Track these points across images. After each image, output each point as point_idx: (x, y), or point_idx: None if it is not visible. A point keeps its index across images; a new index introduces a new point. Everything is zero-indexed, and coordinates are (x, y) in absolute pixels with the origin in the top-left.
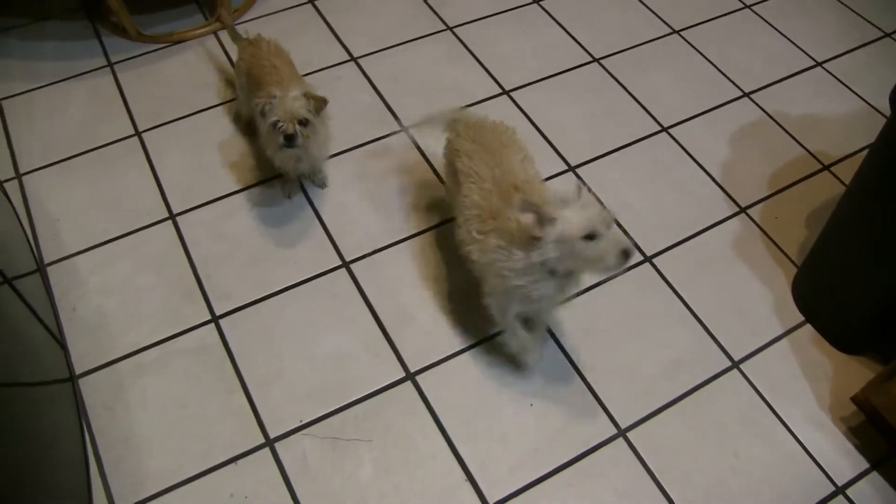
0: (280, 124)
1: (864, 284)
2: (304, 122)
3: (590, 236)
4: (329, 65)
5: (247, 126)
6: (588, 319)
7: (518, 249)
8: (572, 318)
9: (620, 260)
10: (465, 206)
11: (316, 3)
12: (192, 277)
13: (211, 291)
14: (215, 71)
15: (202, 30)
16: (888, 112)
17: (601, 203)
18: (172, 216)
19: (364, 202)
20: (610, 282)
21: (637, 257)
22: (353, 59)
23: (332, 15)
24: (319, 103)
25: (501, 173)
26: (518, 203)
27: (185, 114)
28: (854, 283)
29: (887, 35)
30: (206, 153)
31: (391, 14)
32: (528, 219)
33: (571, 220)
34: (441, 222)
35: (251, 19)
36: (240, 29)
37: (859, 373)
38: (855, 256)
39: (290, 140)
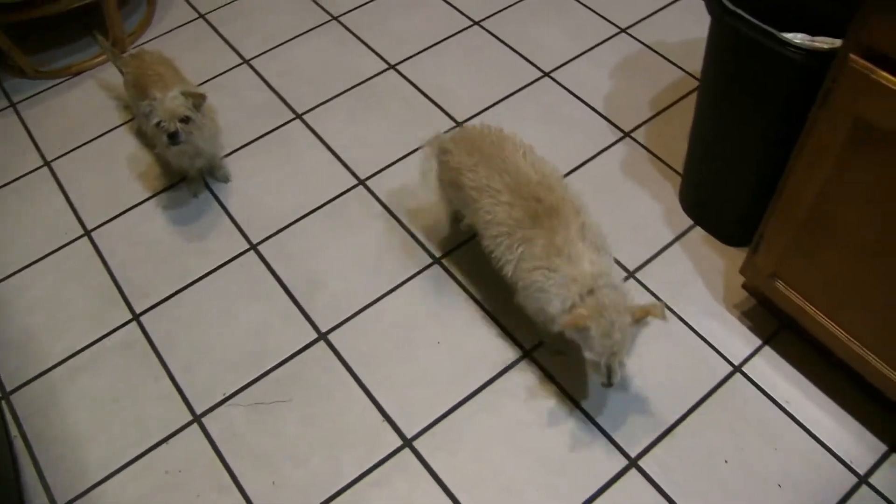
0: (162, 124)
1: (734, 178)
2: (185, 120)
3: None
4: (223, 70)
5: (150, 139)
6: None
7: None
8: (466, 257)
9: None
10: (490, 223)
11: (207, 17)
12: (112, 283)
13: (131, 293)
14: (115, 94)
15: (99, 58)
16: None
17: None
18: (87, 232)
19: (266, 189)
20: None
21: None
22: (246, 61)
23: (223, 25)
24: (198, 99)
25: (513, 179)
26: (565, 318)
27: (91, 138)
28: (725, 179)
29: None
30: (114, 170)
31: (279, 15)
32: (569, 333)
33: (606, 331)
34: (337, 195)
35: (148, 41)
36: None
37: None
38: (718, 155)
39: (173, 138)
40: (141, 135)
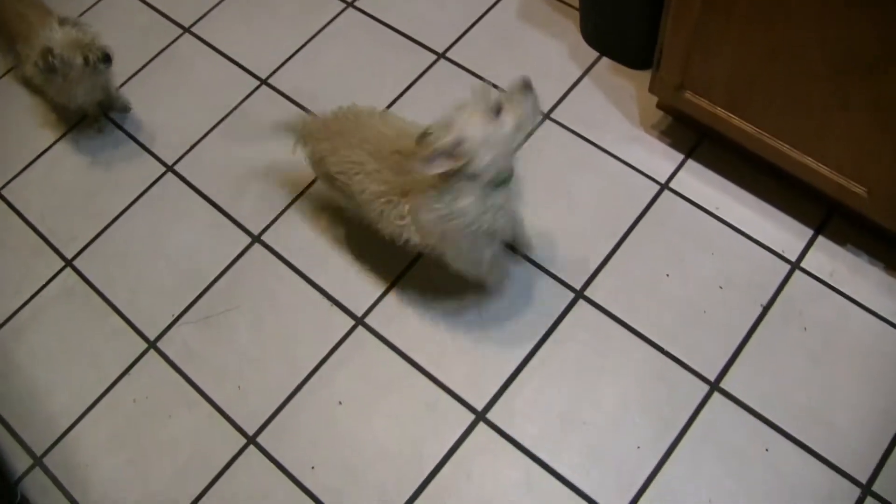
0: (90, 57)
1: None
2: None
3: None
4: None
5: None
6: None
7: (448, 192)
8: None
9: (527, 96)
10: (369, 200)
11: None
12: (36, 236)
13: (57, 241)
14: None
15: None
16: None
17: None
18: None
19: (169, 110)
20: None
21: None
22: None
23: None
24: (69, 20)
25: (374, 146)
26: (421, 164)
27: None
28: (621, 3)
29: None
30: (9, 123)
31: None
32: (441, 164)
33: (473, 121)
34: (242, 100)
35: None
36: None
37: None
38: None
39: (108, 59)
40: (27, 82)
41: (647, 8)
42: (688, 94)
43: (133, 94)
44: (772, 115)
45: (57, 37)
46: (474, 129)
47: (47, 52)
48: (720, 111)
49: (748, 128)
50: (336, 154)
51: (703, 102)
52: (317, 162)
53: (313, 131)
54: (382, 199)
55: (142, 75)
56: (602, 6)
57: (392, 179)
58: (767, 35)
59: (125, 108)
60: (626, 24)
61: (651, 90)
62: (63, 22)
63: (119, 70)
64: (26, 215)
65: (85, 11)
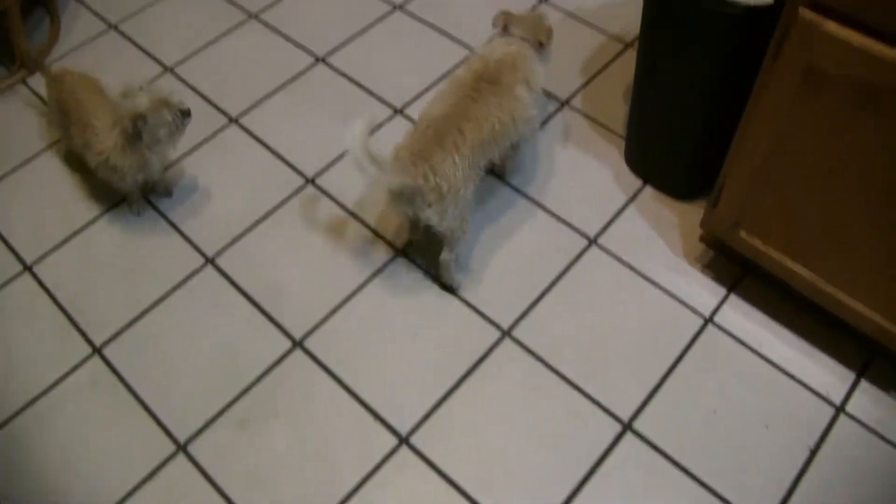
0: (172, 114)
1: (678, 135)
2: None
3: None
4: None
5: (80, 161)
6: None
7: None
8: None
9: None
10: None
11: (119, 27)
12: (65, 318)
13: (87, 326)
14: (34, 116)
15: (8, 81)
16: None
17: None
18: (28, 267)
19: (212, 200)
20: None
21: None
22: (168, 69)
23: (137, 35)
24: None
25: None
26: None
27: (14, 166)
28: (669, 136)
29: None
30: (46, 197)
31: (193, 19)
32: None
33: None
34: (287, 197)
35: (56, 59)
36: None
37: (701, 215)
38: (661, 114)
39: (188, 113)
40: (70, 158)
41: (697, 145)
42: (742, 233)
43: (176, 179)
44: (828, 260)
45: (141, 101)
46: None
47: (138, 118)
48: (774, 253)
49: (802, 271)
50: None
51: (758, 243)
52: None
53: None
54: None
55: (187, 161)
56: (651, 139)
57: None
58: (836, 183)
59: (168, 193)
60: (675, 158)
61: (703, 225)
62: (138, 89)
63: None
64: (56, 295)
65: None
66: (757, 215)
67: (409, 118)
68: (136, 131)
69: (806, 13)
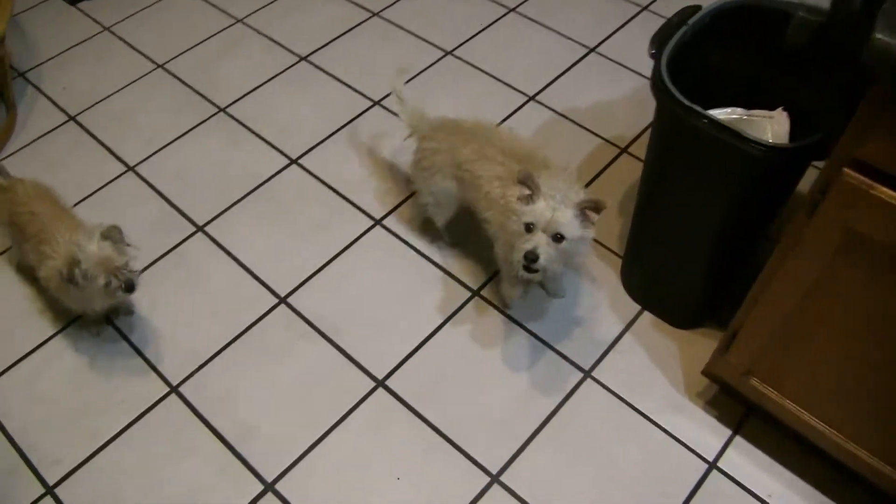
0: (113, 282)
1: (681, 261)
2: (118, 269)
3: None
4: (107, 181)
5: (32, 274)
6: (429, 371)
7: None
8: (418, 371)
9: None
10: (488, 179)
11: (77, 118)
12: (15, 452)
13: (38, 462)
14: None
15: None
16: None
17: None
18: None
19: (177, 319)
20: (445, 326)
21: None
22: (130, 168)
23: (98, 128)
24: (114, 233)
25: (504, 146)
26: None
27: None
28: (675, 265)
29: (644, 8)
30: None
31: (158, 111)
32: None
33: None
34: (258, 318)
35: (12, 153)
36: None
37: (704, 345)
38: (668, 242)
39: (131, 288)
40: (22, 269)
41: (704, 276)
42: (754, 382)
43: (137, 294)
44: (848, 416)
45: (90, 250)
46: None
47: (74, 263)
48: (789, 404)
49: (820, 426)
50: (467, 146)
51: (772, 393)
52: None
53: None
54: (497, 183)
55: (149, 274)
56: (652, 266)
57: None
58: (863, 342)
59: (128, 311)
60: (678, 287)
61: (710, 368)
62: (106, 235)
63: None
64: (6, 425)
65: (90, 195)
66: (772, 367)
67: (389, 230)
68: (69, 277)
69: (851, 175)
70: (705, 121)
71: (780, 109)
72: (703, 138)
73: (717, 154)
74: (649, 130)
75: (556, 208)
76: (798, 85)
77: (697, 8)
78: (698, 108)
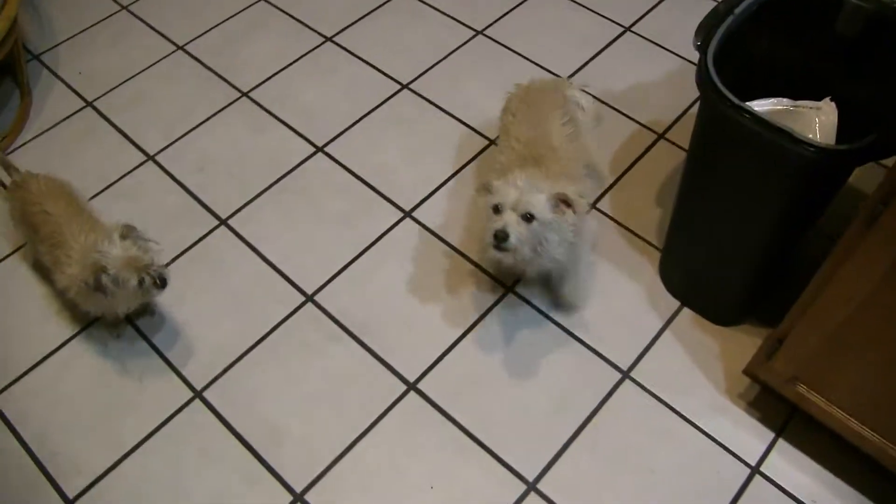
0: (146, 279)
1: (724, 259)
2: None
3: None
4: (126, 171)
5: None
6: (462, 372)
7: None
8: (451, 373)
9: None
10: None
11: (95, 104)
12: (32, 463)
13: (58, 473)
14: None
15: None
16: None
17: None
18: None
19: (200, 319)
20: (478, 324)
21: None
22: (150, 157)
23: (116, 114)
24: (130, 232)
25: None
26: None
27: None
28: (713, 258)
29: None
30: (10, 313)
31: (179, 96)
32: None
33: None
34: (285, 318)
35: (27, 141)
36: (17, 157)
37: (745, 343)
38: (707, 234)
39: (164, 284)
40: (39, 267)
41: (747, 273)
42: (800, 388)
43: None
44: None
45: (114, 253)
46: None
47: (101, 269)
48: (838, 412)
49: (866, 432)
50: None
51: (818, 399)
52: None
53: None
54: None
55: (175, 266)
56: (693, 261)
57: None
58: None
59: (150, 313)
60: (720, 283)
61: (753, 372)
62: (125, 234)
63: None
64: (22, 434)
65: (108, 187)
66: (820, 374)
67: (418, 222)
68: (98, 286)
69: None
70: (755, 120)
71: (827, 99)
72: (752, 137)
73: (767, 154)
74: (689, 117)
75: (525, 190)
76: (848, 76)
77: None
78: (748, 107)
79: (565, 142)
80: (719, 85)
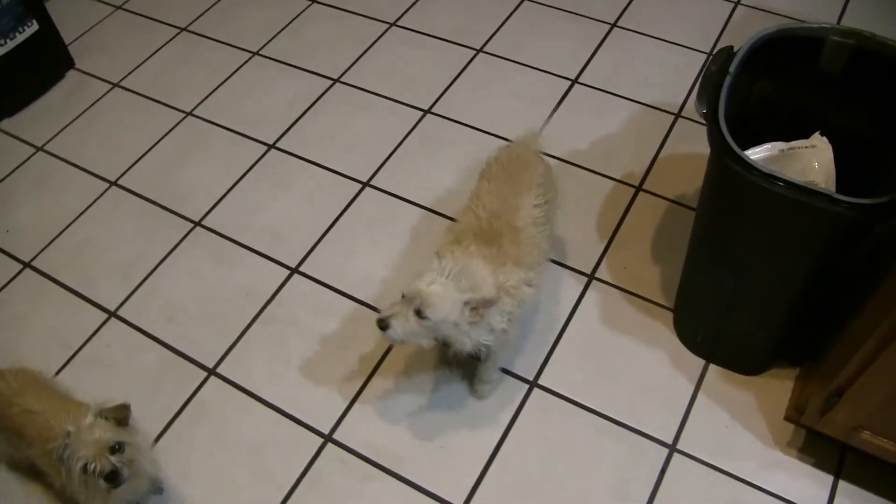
0: (91, 465)
1: (750, 314)
2: (117, 448)
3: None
4: (89, 334)
5: (31, 467)
6: (508, 488)
7: None
8: (499, 489)
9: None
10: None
11: (34, 264)
12: None
13: None
14: None
15: None
16: (657, 103)
17: None
18: None
19: (214, 485)
20: (511, 431)
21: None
22: (112, 313)
23: (61, 272)
24: (121, 413)
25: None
26: None
27: None
28: (739, 316)
29: (613, 25)
30: None
31: (125, 239)
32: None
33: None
34: (307, 466)
35: None
36: None
37: (779, 388)
38: (728, 293)
39: (113, 478)
40: (17, 467)
41: (776, 325)
42: (865, 435)
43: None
44: None
45: (82, 425)
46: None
47: (65, 436)
48: None
49: None
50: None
51: (887, 444)
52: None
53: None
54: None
55: (167, 438)
56: (713, 317)
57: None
58: None
59: (157, 490)
60: (747, 336)
61: (808, 424)
62: (106, 414)
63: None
64: None
65: (74, 356)
66: (889, 420)
67: None
68: (56, 451)
69: None
70: (791, 186)
71: (817, 134)
72: (786, 203)
73: (803, 215)
74: (659, 164)
75: (435, 282)
76: (837, 110)
77: (730, 50)
78: (780, 174)
79: (530, 224)
80: (744, 155)
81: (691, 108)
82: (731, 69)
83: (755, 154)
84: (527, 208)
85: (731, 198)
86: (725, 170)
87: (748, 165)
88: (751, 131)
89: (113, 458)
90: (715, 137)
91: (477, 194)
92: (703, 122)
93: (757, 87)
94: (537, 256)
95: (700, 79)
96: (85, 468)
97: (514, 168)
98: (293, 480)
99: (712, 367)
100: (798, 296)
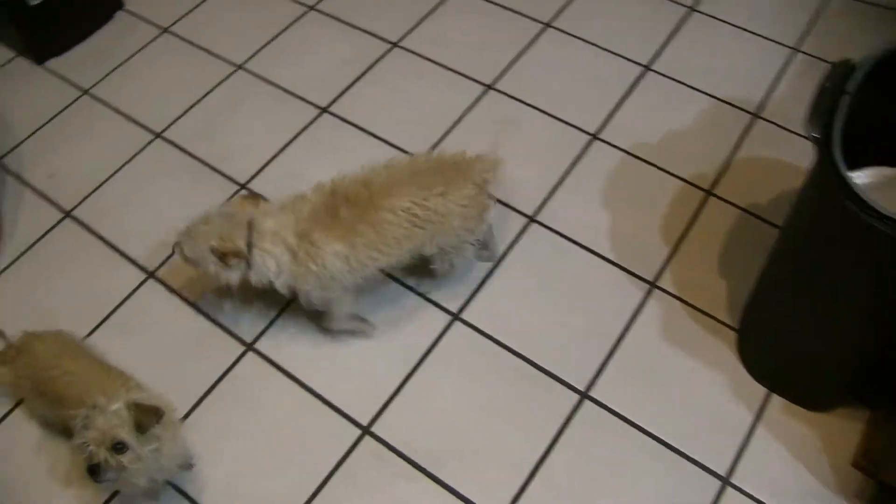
0: (88, 448)
1: (829, 345)
2: (119, 448)
3: None
4: (125, 294)
5: (65, 429)
6: (549, 481)
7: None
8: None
9: None
10: None
11: (74, 214)
12: None
13: None
14: None
15: None
16: (733, 99)
17: None
18: None
19: (245, 468)
20: (558, 442)
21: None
22: (150, 274)
23: (100, 225)
24: (149, 417)
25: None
26: None
27: None
28: (816, 345)
29: (691, 9)
30: (15, 479)
31: (165, 195)
32: None
33: None
34: (344, 456)
35: (4, 268)
36: None
37: (847, 429)
38: (807, 319)
39: (94, 472)
40: (49, 424)
41: (850, 360)
42: None
43: (194, 441)
44: None
45: (106, 407)
46: None
47: (90, 407)
48: None
49: None
50: None
51: None
52: None
53: None
54: None
55: (200, 411)
56: (782, 346)
57: None
58: None
59: (188, 466)
60: (819, 370)
61: (879, 475)
62: (135, 405)
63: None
64: None
65: (108, 317)
66: None
67: (470, 324)
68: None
69: None
70: None
71: None
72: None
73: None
74: (734, 166)
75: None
76: None
77: (847, 64)
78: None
79: (404, 215)
80: (864, 196)
81: (772, 109)
82: (850, 87)
83: (860, 178)
84: (417, 200)
85: (833, 232)
86: (834, 204)
87: (865, 205)
88: (857, 151)
89: (107, 454)
90: (826, 167)
91: (371, 168)
92: (808, 138)
93: (868, 102)
94: (387, 245)
95: (814, 97)
96: (81, 447)
97: (449, 173)
98: (327, 472)
99: (775, 397)
100: (885, 334)
